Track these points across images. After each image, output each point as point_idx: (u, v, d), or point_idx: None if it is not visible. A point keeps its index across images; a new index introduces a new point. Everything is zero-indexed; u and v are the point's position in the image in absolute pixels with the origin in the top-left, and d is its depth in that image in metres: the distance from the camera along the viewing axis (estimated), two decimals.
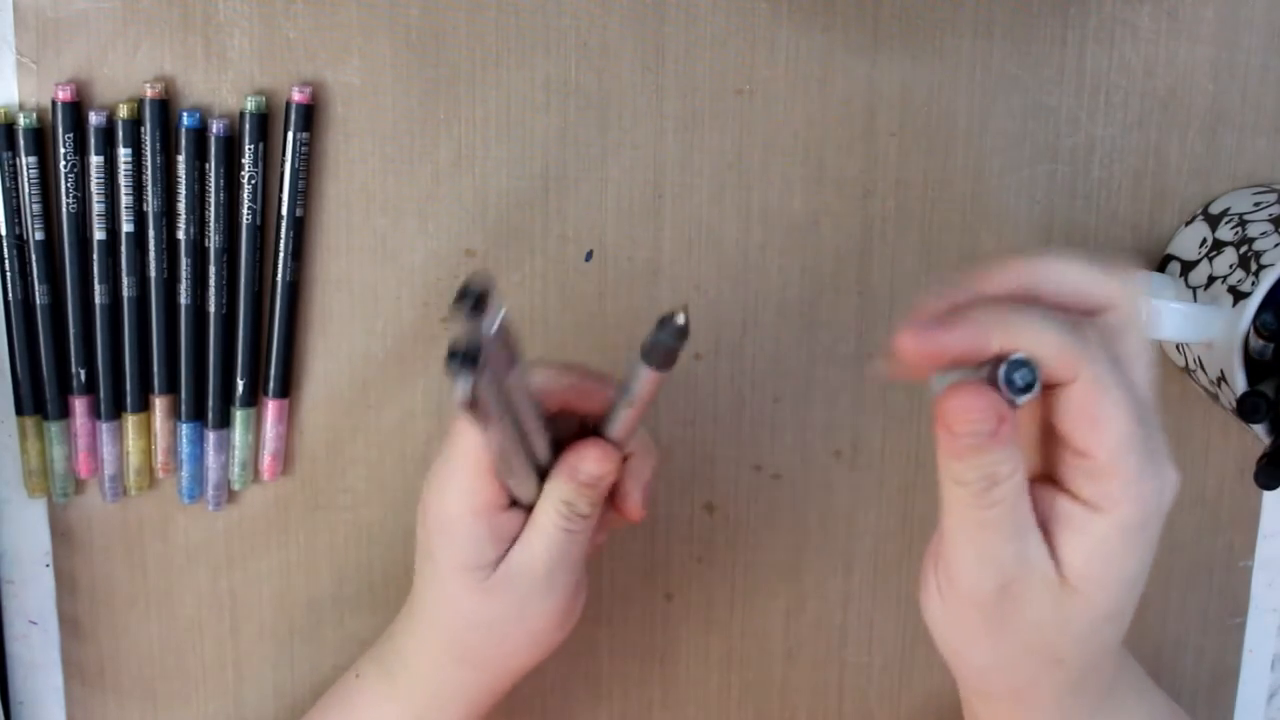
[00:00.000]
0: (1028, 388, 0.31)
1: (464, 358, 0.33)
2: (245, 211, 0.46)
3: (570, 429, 0.40)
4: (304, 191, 0.46)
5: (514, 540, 0.39)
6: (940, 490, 0.33)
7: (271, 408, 0.48)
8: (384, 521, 0.49)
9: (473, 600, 0.39)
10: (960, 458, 0.31)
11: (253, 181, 0.46)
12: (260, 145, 0.45)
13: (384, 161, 0.47)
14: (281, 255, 0.47)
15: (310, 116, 0.46)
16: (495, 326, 0.34)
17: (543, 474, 0.39)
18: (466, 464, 0.38)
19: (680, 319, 0.34)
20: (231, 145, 0.46)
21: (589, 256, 0.47)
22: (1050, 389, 0.32)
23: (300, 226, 0.47)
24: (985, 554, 0.32)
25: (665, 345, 0.35)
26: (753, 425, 0.49)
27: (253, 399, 0.48)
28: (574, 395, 0.39)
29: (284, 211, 0.46)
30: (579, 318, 0.47)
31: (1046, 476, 0.33)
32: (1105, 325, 0.33)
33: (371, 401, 0.48)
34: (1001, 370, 0.31)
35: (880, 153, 0.48)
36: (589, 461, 0.38)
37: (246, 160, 0.46)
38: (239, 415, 0.48)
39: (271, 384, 0.47)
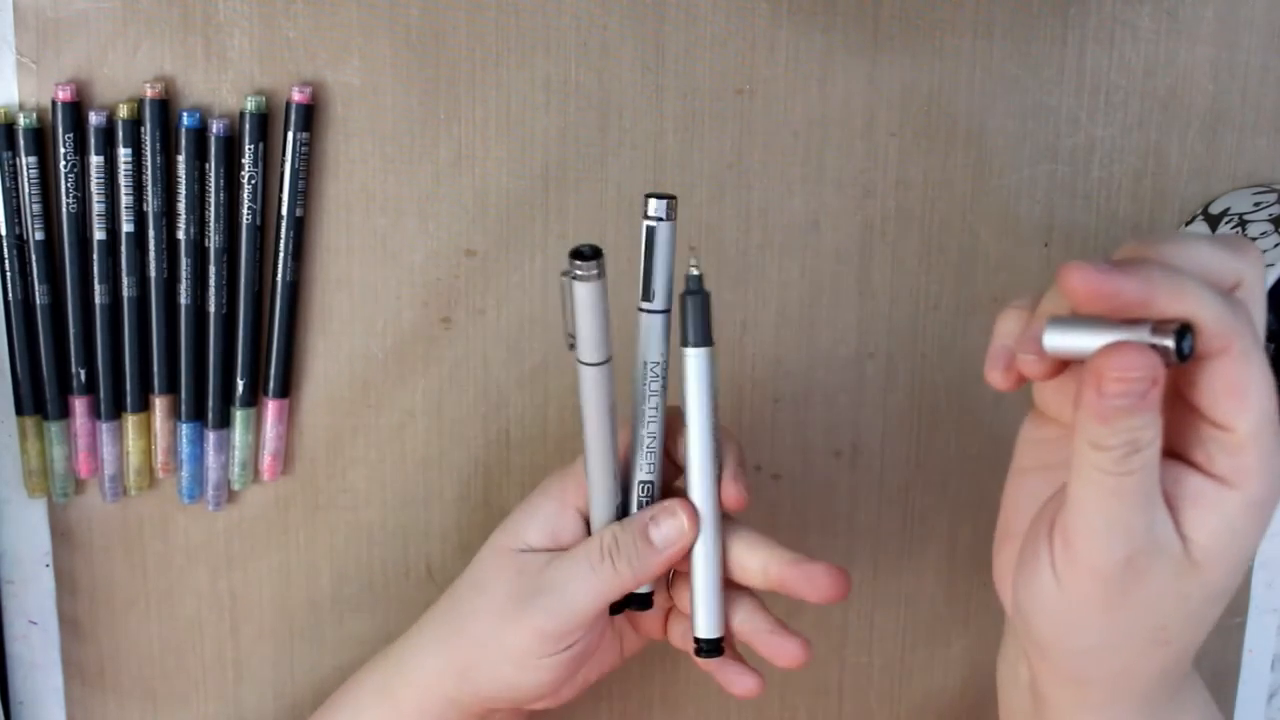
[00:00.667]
0: (1189, 354, 0.31)
1: (591, 249, 0.34)
2: (245, 211, 0.46)
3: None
4: (304, 191, 0.47)
5: (561, 545, 0.40)
6: (1074, 456, 0.32)
7: (271, 408, 0.48)
8: (384, 522, 0.50)
9: (489, 559, 0.41)
10: (1106, 420, 0.30)
11: (253, 181, 0.46)
12: (260, 145, 0.46)
13: (384, 161, 0.47)
14: (281, 255, 0.47)
15: (310, 116, 0.46)
16: (591, 290, 0.35)
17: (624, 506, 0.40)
18: (559, 493, 0.40)
19: (694, 269, 0.36)
20: (231, 145, 0.46)
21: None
22: (1197, 360, 0.31)
23: (300, 226, 0.47)
24: (1116, 523, 0.32)
25: (696, 307, 0.36)
26: (752, 426, 0.50)
27: (253, 399, 0.48)
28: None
29: (284, 211, 0.47)
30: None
31: (1169, 451, 0.33)
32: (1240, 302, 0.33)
33: (371, 401, 0.49)
34: (1172, 334, 0.30)
35: (880, 153, 0.48)
36: (668, 517, 0.39)
37: (246, 160, 0.46)
38: (239, 415, 0.48)
39: (271, 384, 0.48)
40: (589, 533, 0.41)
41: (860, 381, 0.50)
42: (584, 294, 0.36)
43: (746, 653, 0.42)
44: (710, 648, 0.40)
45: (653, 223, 0.37)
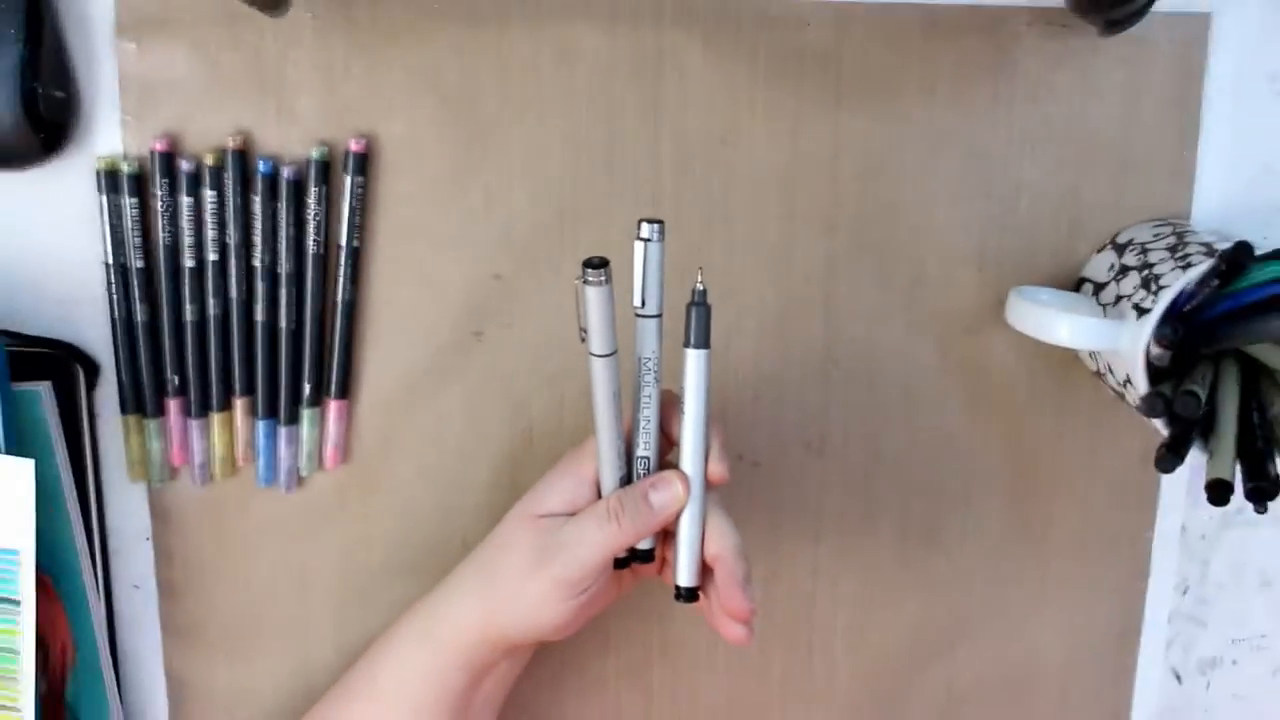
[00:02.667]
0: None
1: (600, 260, 0.37)
2: (311, 243, 0.50)
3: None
4: (359, 226, 0.50)
5: (577, 510, 0.43)
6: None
7: (333, 408, 0.52)
8: (427, 503, 0.53)
9: (512, 523, 0.43)
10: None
11: (317, 218, 0.50)
12: (323, 188, 0.50)
13: (426, 200, 0.50)
14: (341, 279, 0.50)
15: (365, 163, 0.50)
16: (598, 294, 0.38)
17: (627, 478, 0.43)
18: (575, 467, 0.43)
19: (699, 283, 0.38)
20: (299, 187, 0.50)
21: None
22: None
23: (356, 256, 0.51)
24: None
25: (699, 316, 0.38)
26: (736, 419, 0.53)
27: (318, 400, 0.52)
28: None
29: (343, 243, 0.50)
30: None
31: None
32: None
33: (416, 403, 0.52)
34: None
35: (843, 192, 0.52)
36: (664, 485, 0.42)
37: (311, 200, 0.50)
38: (306, 414, 0.52)
39: (333, 387, 0.51)
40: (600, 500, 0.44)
41: (826, 383, 0.53)
42: (594, 297, 0.39)
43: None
44: (688, 594, 0.43)
45: (644, 242, 0.40)
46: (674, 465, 0.44)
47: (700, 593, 0.44)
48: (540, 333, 0.52)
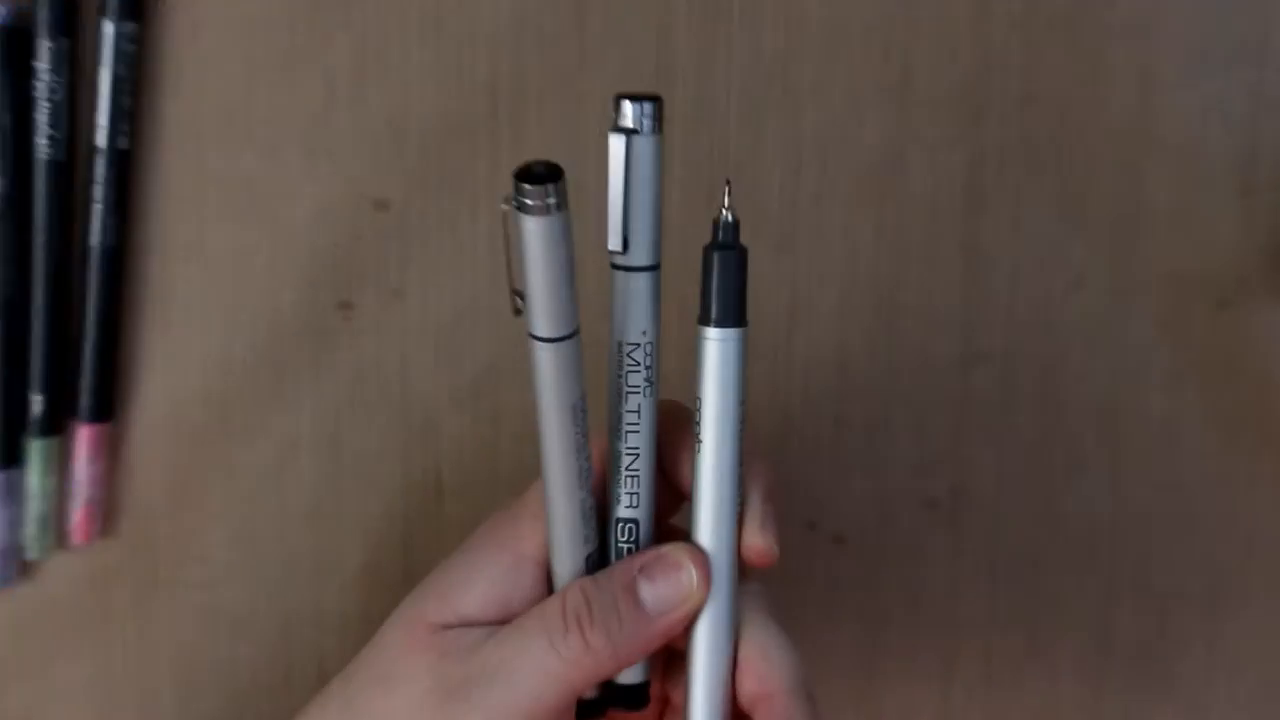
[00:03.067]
0: None
1: (546, 169, 0.35)
2: (41, 142, 0.46)
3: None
4: (130, 113, 0.46)
5: (509, 616, 0.41)
6: None
7: (84, 436, 0.47)
8: (254, 606, 0.50)
9: (397, 638, 0.41)
10: None
11: (53, 97, 0.46)
12: (64, 41, 0.45)
13: (251, 68, 0.47)
14: (97, 209, 0.46)
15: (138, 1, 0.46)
16: (548, 229, 0.36)
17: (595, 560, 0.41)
18: (509, 539, 0.41)
19: (725, 210, 0.37)
20: (20, 42, 0.45)
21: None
22: None
23: (125, 166, 0.46)
24: None
25: (726, 268, 0.38)
26: (803, 462, 0.50)
27: (56, 424, 0.47)
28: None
29: (100, 143, 0.46)
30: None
31: None
32: None
33: (235, 428, 0.49)
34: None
35: (997, 54, 0.48)
36: (666, 567, 0.40)
37: (42, 65, 0.45)
38: (35, 448, 0.47)
39: (84, 401, 0.47)
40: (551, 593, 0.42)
41: (966, 397, 0.50)
42: (535, 233, 0.36)
43: None
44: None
45: (625, 135, 0.38)
46: (682, 535, 0.41)
47: None
48: (455, 305, 0.49)
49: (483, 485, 0.50)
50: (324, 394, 0.49)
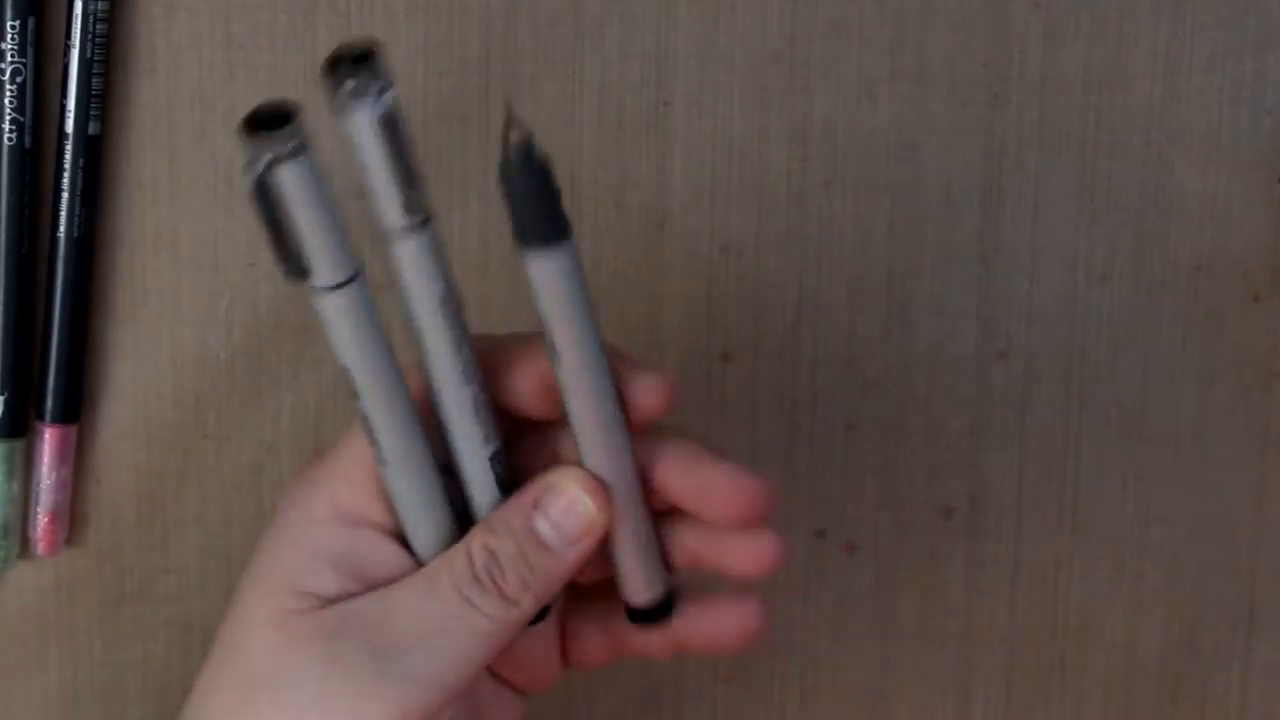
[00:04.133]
0: None
1: (270, 111, 0.35)
2: (6, 128, 0.45)
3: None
4: (101, 95, 0.46)
5: (373, 586, 0.40)
6: None
7: (49, 439, 0.47)
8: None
9: (266, 638, 0.39)
10: None
11: (17, 78, 0.45)
12: (30, 20, 0.45)
13: (229, 49, 0.46)
14: (65, 197, 0.46)
15: None
16: (381, 116, 0.36)
17: (464, 521, 0.40)
18: (351, 454, 0.40)
19: (516, 136, 0.36)
20: None
21: None
22: None
23: (95, 152, 0.46)
24: None
25: (527, 188, 0.36)
26: (811, 466, 0.49)
27: (19, 425, 0.47)
28: (535, 366, 0.39)
29: (69, 127, 0.46)
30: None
31: None
32: None
33: (210, 429, 0.48)
34: None
35: (1016, 35, 0.47)
36: (560, 499, 0.39)
37: (8, 45, 0.45)
38: None
39: (49, 400, 0.47)
40: (408, 550, 0.40)
41: (984, 397, 0.49)
42: (293, 184, 0.35)
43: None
44: (653, 612, 0.41)
45: (363, 111, 0.36)
46: (564, 457, 0.41)
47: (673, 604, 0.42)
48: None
49: None
50: (304, 393, 0.48)
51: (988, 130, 0.48)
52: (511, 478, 0.41)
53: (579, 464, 0.40)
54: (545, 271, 0.37)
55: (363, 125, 0.36)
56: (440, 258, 0.39)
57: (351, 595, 0.40)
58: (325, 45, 0.47)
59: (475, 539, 0.40)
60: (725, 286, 0.48)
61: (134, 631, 0.48)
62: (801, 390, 0.49)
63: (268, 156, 0.35)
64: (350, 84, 0.35)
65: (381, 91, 0.36)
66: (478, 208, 0.47)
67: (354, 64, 0.35)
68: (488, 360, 0.41)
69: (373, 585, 0.40)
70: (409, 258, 0.38)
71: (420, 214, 0.38)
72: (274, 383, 0.48)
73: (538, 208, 0.37)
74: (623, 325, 0.47)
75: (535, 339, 0.40)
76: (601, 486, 0.40)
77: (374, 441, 0.39)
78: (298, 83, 0.46)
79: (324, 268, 0.37)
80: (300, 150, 0.35)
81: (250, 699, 0.39)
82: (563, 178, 0.43)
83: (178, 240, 0.47)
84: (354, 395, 0.39)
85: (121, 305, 0.47)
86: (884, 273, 0.48)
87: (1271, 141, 0.49)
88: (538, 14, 0.46)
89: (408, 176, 0.37)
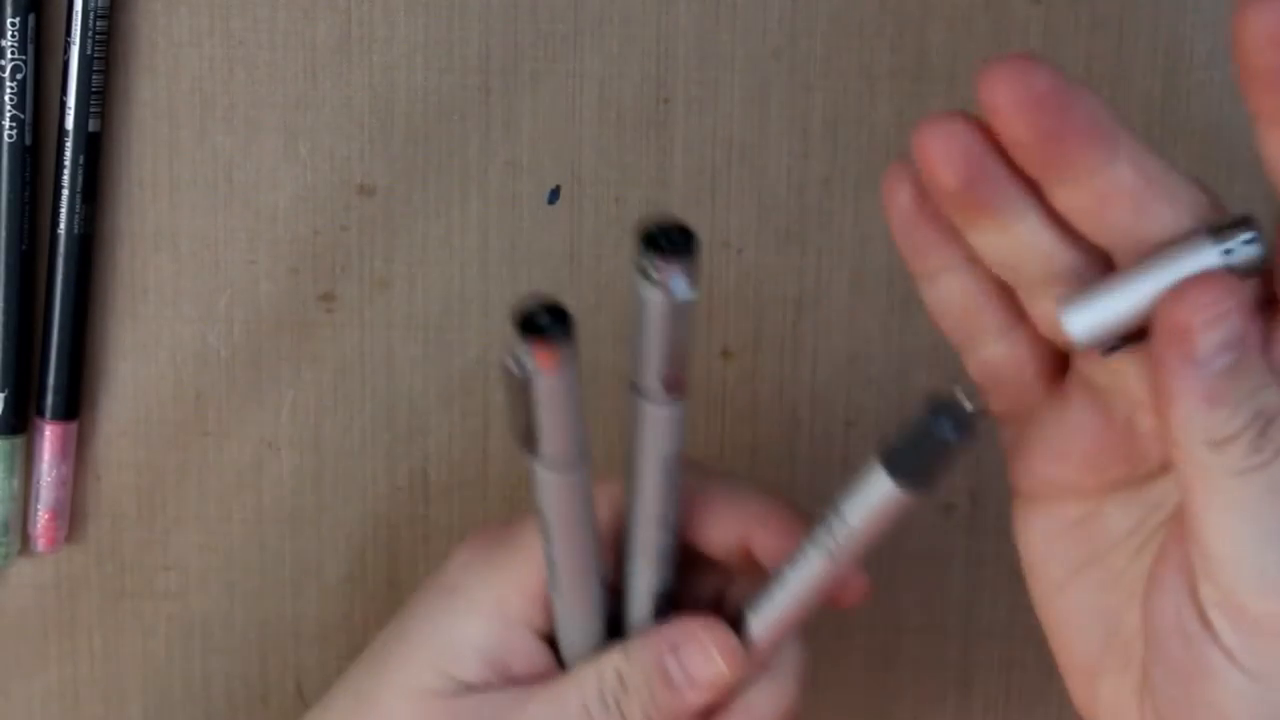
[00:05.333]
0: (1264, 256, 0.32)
1: (551, 317, 0.35)
2: (6, 125, 0.45)
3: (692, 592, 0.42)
4: (101, 92, 0.46)
5: (514, 680, 0.41)
6: (1185, 485, 0.32)
7: (49, 436, 0.47)
8: (229, 616, 0.49)
9: (401, 709, 0.40)
10: (1218, 398, 0.31)
11: (18, 75, 0.45)
12: (30, 17, 0.45)
13: (229, 44, 0.46)
14: (65, 194, 0.46)
15: None
16: (679, 306, 0.35)
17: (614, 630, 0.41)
18: (531, 556, 0.40)
19: (965, 401, 0.35)
20: None
21: (554, 196, 0.47)
22: None
23: (95, 149, 0.46)
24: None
25: (937, 445, 0.35)
26: (814, 464, 0.49)
27: (19, 422, 0.47)
28: (738, 524, 0.40)
29: (69, 125, 0.46)
30: (540, 288, 0.45)
31: None
32: None
33: (211, 426, 0.48)
34: (1245, 230, 0.31)
35: (1016, 30, 0.47)
36: (696, 650, 0.39)
37: (7, 42, 0.45)
38: None
39: (49, 397, 0.47)
40: (555, 653, 0.41)
41: (989, 396, 0.45)
42: (550, 393, 0.36)
43: None
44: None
45: (663, 296, 0.36)
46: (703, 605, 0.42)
47: None
48: (444, 296, 0.48)
49: (471, 487, 0.49)
50: (304, 390, 0.48)
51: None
52: (672, 612, 0.41)
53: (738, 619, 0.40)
54: (886, 499, 0.37)
55: (657, 303, 0.36)
56: (681, 429, 0.39)
57: (491, 687, 0.40)
58: (325, 42, 0.47)
59: (609, 662, 0.40)
60: (725, 283, 0.48)
61: (134, 628, 0.48)
62: (802, 387, 0.48)
63: (535, 362, 0.36)
64: (662, 264, 0.35)
65: (689, 284, 0.36)
66: (478, 204, 0.47)
67: (675, 239, 0.35)
68: (689, 495, 0.41)
69: (514, 680, 0.40)
70: (651, 421, 0.38)
71: (676, 394, 0.38)
72: (274, 379, 0.48)
73: (921, 456, 0.36)
74: (623, 323, 0.45)
75: (746, 496, 0.41)
76: (738, 650, 0.40)
77: (552, 575, 0.40)
78: (298, 80, 0.46)
79: (553, 456, 0.38)
80: (568, 361, 0.36)
81: None
82: (563, 175, 0.44)
83: (178, 237, 0.47)
84: (545, 539, 0.40)
85: (122, 302, 0.47)
86: (884, 269, 0.48)
87: None
88: (538, 11, 0.46)
89: (678, 360, 0.37)
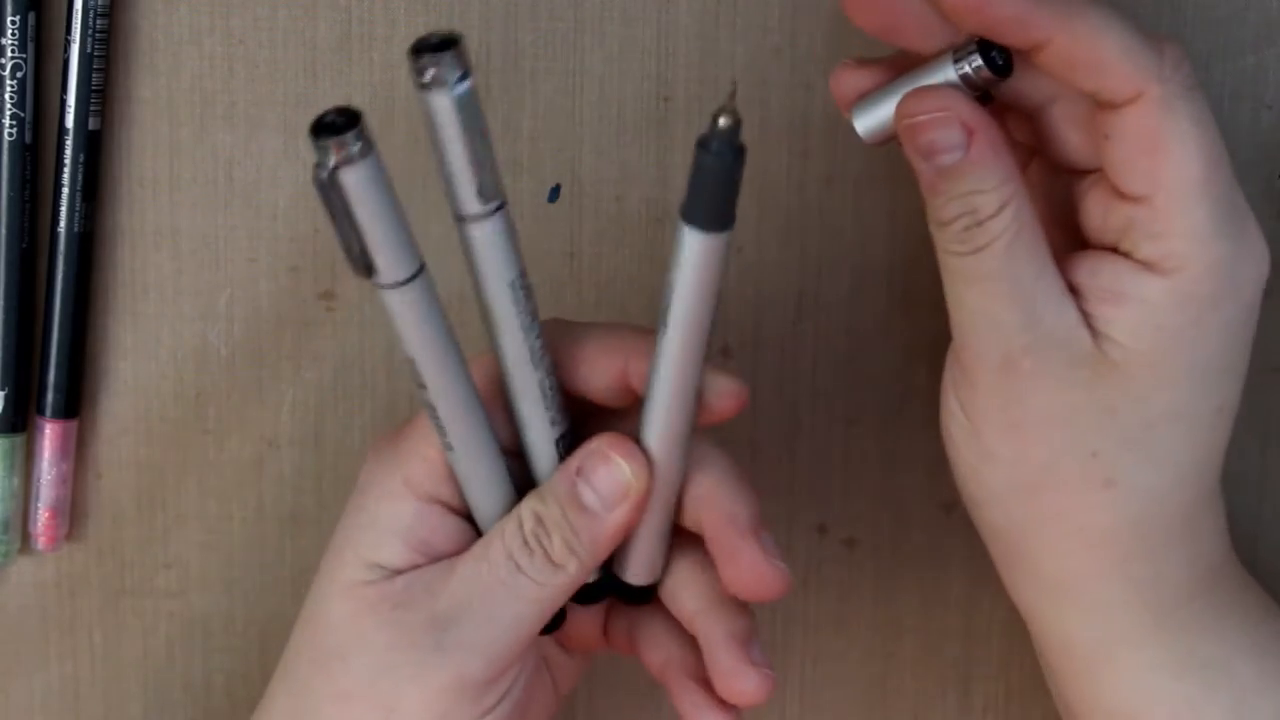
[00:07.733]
0: (1005, 66, 0.38)
1: (340, 116, 0.36)
2: (6, 123, 0.46)
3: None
4: (101, 91, 0.46)
5: (440, 560, 0.41)
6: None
7: (50, 434, 0.47)
8: (229, 615, 0.49)
9: (338, 609, 0.41)
10: (934, 187, 0.38)
11: (18, 74, 0.45)
12: (30, 15, 0.45)
13: (229, 42, 0.47)
14: (65, 192, 0.46)
15: None
16: (458, 100, 0.37)
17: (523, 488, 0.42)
18: (424, 431, 0.41)
19: (724, 121, 0.36)
20: None
21: (555, 194, 0.47)
22: (1105, 112, 0.38)
23: (96, 146, 0.46)
24: (981, 316, 0.38)
25: (716, 171, 0.37)
26: (814, 461, 0.49)
27: (19, 420, 0.47)
28: (613, 358, 0.41)
29: (69, 123, 0.46)
30: (540, 288, 0.46)
31: (1099, 244, 0.40)
32: (1177, 57, 0.38)
33: (211, 424, 0.48)
34: (972, 51, 0.38)
35: None
36: (600, 463, 0.40)
37: (8, 40, 0.45)
38: None
39: (50, 395, 0.47)
40: (475, 529, 0.42)
41: None
42: (358, 184, 0.36)
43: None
44: (639, 593, 0.43)
45: (440, 92, 0.37)
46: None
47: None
48: (447, 293, 0.45)
49: None
50: (305, 388, 0.48)
51: None
52: None
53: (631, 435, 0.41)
54: (698, 251, 0.38)
55: (441, 109, 0.37)
56: (512, 242, 0.39)
57: (418, 567, 0.41)
58: (326, 41, 0.47)
59: (525, 506, 0.41)
60: (726, 281, 0.46)
61: (134, 626, 0.48)
62: (802, 385, 0.49)
63: (334, 158, 0.36)
64: (431, 70, 0.36)
65: (461, 79, 0.36)
66: None
67: (436, 50, 0.36)
68: (564, 346, 0.42)
69: (440, 559, 0.41)
70: (482, 242, 0.39)
71: (494, 199, 0.38)
72: (274, 378, 0.48)
73: (717, 192, 0.37)
74: (623, 320, 0.47)
75: (619, 330, 0.42)
76: (642, 455, 0.41)
77: (439, 428, 0.40)
78: (298, 79, 0.47)
79: (388, 264, 0.38)
80: (366, 152, 0.36)
81: (326, 667, 0.41)
82: (563, 173, 0.44)
83: (178, 235, 0.47)
84: (419, 385, 0.40)
85: (122, 300, 0.47)
86: (885, 267, 0.48)
87: (1271, 137, 0.48)
88: (538, 9, 0.46)
89: (482, 161, 0.38)
